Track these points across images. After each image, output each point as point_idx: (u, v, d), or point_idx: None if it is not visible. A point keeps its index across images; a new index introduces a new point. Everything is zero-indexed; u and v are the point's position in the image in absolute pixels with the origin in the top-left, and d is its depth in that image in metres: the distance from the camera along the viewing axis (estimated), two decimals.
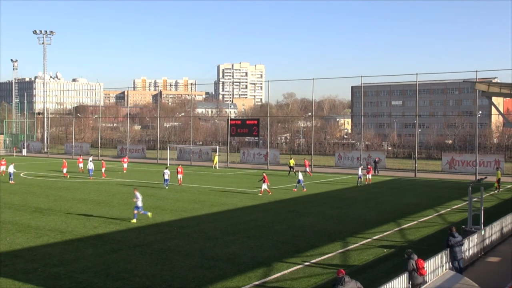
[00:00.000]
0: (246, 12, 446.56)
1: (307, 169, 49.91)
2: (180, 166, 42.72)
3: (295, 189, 36.74)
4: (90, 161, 47.08)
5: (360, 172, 42.50)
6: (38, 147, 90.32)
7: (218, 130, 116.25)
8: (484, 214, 19.80)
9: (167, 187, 37.79)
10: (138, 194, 24.29)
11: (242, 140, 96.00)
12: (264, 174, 35.34)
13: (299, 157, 76.76)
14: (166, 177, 38.03)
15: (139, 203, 24.19)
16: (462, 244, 15.70)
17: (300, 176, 37.38)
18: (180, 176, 40.40)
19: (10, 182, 40.00)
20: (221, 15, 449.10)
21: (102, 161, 49.33)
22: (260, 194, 34.13)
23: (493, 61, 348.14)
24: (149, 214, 24.73)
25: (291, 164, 50.85)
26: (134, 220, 24.00)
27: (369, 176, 43.85)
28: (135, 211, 24.20)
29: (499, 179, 38.53)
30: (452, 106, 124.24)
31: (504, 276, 15.72)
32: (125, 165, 51.79)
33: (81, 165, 50.18)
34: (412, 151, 66.34)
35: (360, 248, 19.59)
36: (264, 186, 34.26)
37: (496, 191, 37.53)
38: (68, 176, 44.58)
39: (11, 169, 41.24)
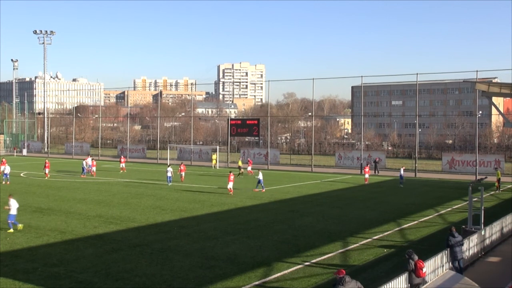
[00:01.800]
0: (246, 12, 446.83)
1: (249, 168, 49.82)
2: (182, 163, 44.92)
3: (256, 189, 36.34)
4: (86, 160, 47.61)
5: (402, 172, 41.65)
6: (38, 147, 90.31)
7: (218, 130, 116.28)
8: (484, 214, 19.82)
9: (169, 184, 38.91)
10: (12, 202, 21.86)
11: (242, 140, 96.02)
12: (230, 172, 35.18)
13: (299, 156, 76.86)
14: (169, 174, 39.40)
15: (13, 211, 21.60)
16: (462, 244, 15.70)
17: (260, 176, 36.94)
18: (182, 173, 42.15)
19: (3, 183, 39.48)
20: (221, 15, 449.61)
21: (92, 160, 49.32)
22: (230, 193, 33.98)
23: (493, 61, 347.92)
24: (19, 226, 21.67)
25: (240, 165, 50.95)
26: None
27: (367, 175, 43.86)
28: (9, 221, 21.53)
29: (499, 179, 38.54)
30: (452, 106, 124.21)
31: (504, 276, 15.72)
32: (123, 165, 51.80)
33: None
34: (412, 151, 66.36)
35: (360, 248, 19.58)
36: (229, 185, 34.23)
37: (496, 191, 37.54)
38: (49, 176, 44.22)
39: (7, 169, 40.89)
